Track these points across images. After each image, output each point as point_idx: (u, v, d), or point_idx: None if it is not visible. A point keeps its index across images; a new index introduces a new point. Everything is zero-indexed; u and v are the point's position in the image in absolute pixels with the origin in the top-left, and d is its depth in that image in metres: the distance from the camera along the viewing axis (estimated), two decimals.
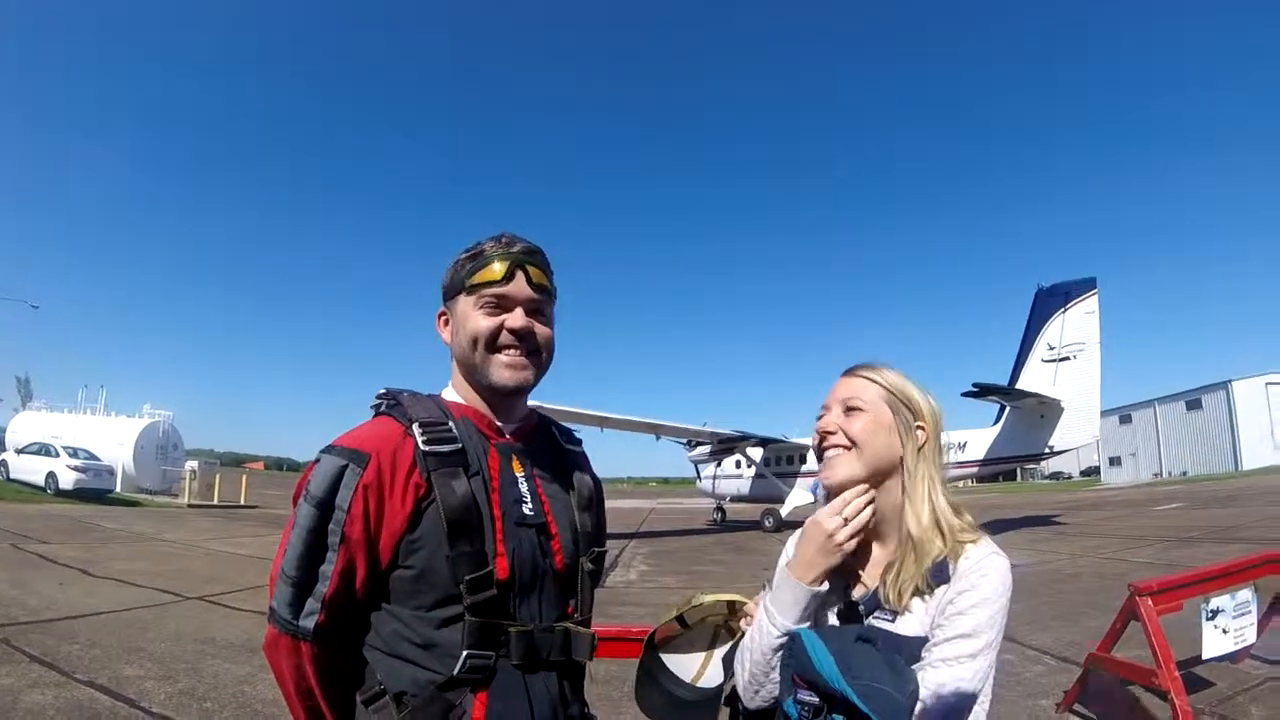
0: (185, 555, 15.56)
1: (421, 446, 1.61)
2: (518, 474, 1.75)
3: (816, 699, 1.49)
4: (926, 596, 1.68)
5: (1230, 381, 61.85)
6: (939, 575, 1.68)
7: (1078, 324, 25.87)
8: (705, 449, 32.99)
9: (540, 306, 1.77)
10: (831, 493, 1.78)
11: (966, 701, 1.59)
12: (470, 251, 1.76)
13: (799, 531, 2.03)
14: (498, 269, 1.70)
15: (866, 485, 1.76)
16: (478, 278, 1.71)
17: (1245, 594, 5.25)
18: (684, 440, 33.58)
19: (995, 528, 1.81)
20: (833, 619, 1.78)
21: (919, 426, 1.82)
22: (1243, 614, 5.19)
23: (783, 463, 30.52)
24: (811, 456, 28.11)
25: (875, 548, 1.83)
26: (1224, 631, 5.11)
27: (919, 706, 1.50)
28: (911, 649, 1.63)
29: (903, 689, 1.45)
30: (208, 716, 5.56)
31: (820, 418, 1.87)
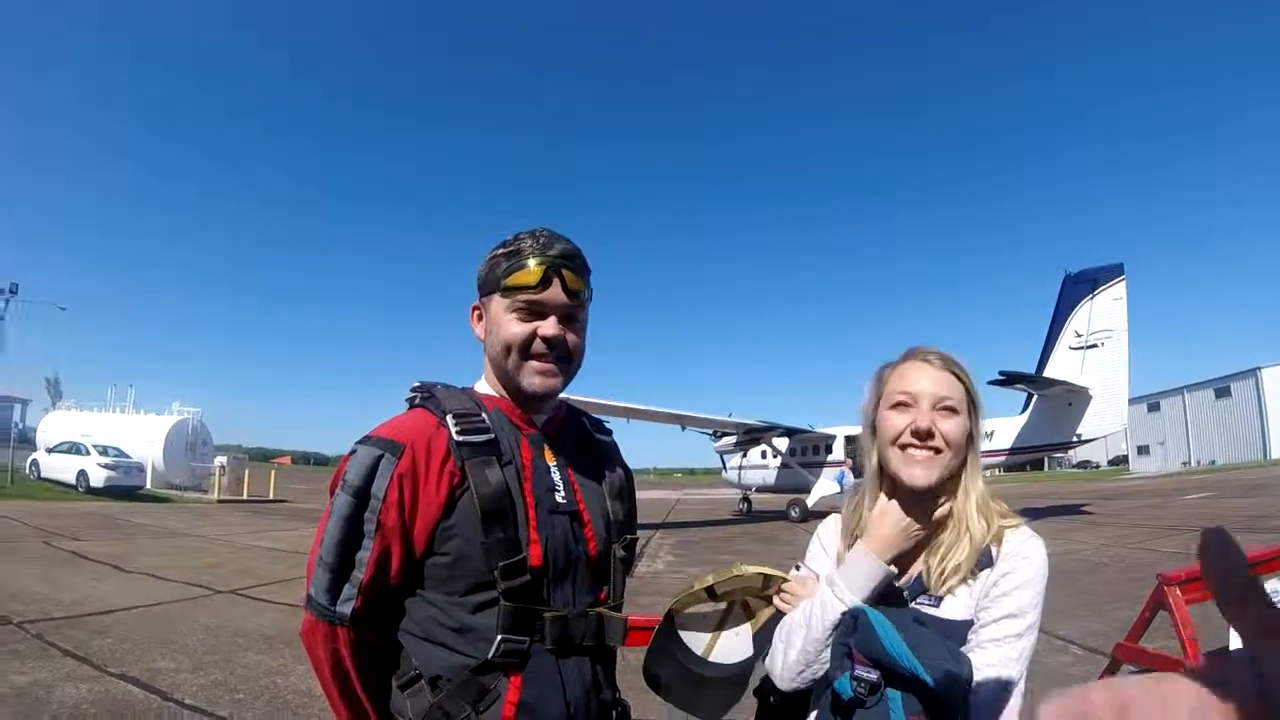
0: (215, 550, 15.74)
1: (455, 437, 1.64)
2: (550, 463, 1.77)
3: (875, 675, 1.50)
4: (970, 580, 1.70)
5: (1259, 369, 60.52)
6: (983, 560, 1.70)
7: (1105, 311, 25.63)
8: (731, 439, 32.90)
9: (573, 312, 1.77)
10: (915, 494, 1.76)
11: (1014, 680, 1.61)
12: (508, 248, 1.75)
13: (832, 518, 2.07)
14: (533, 272, 1.70)
15: None
16: (513, 279, 1.71)
17: (1275, 583, 5.13)
18: (709, 431, 33.56)
19: (1023, 517, 1.80)
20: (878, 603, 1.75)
21: (979, 425, 1.83)
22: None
23: (809, 453, 30.38)
24: (838, 446, 28.39)
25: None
26: None
27: (975, 685, 1.53)
28: (958, 633, 1.65)
29: (961, 670, 1.48)
30: (239, 708, 5.61)
31: (901, 406, 1.80)
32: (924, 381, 1.79)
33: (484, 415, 1.71)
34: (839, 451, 28.89)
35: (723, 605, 2.03)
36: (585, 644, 1.70)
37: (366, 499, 1.58)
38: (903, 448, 1.77)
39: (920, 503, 1.77)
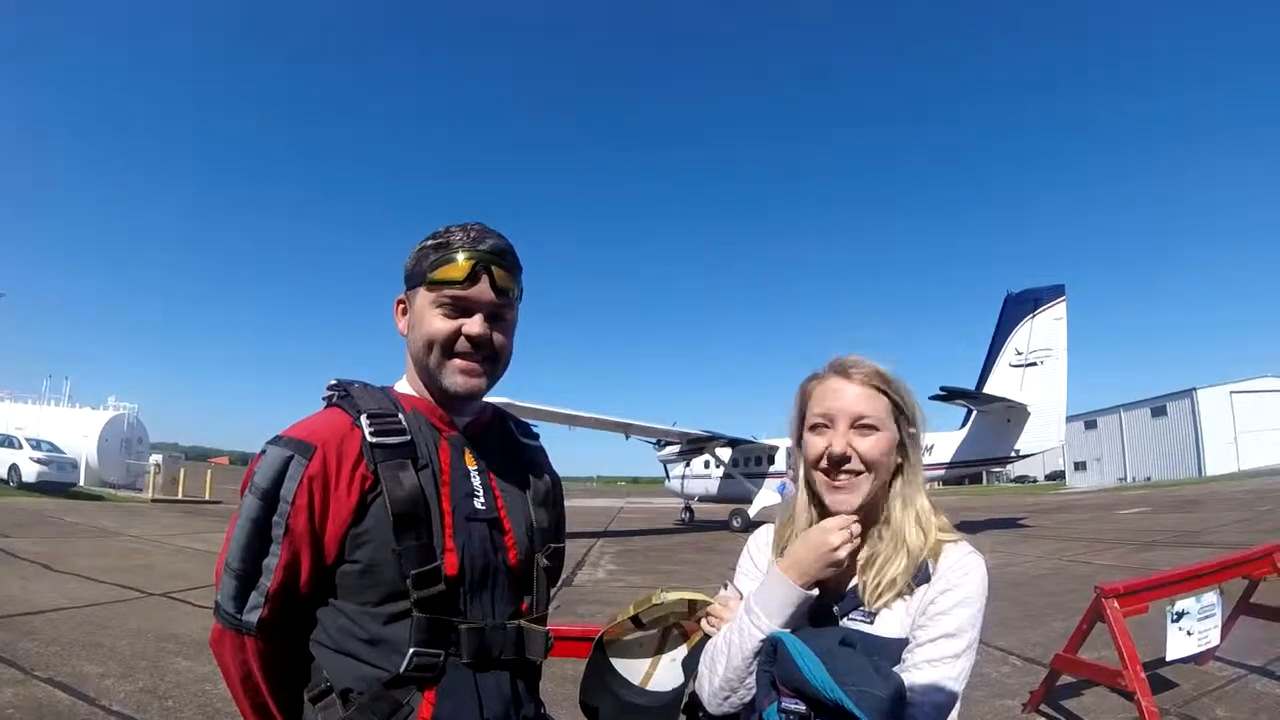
0: (148, 551, 15.33)
1: (369, 438, 1.58)
2: (470, 467, 1.72)
3: (802, 707, 1.47)
4: (906, 597, 1.66)
5: (1195, 389, 62.95)
6: (920, 575, 1.67)
7: (1046, 330, 26.26)
8: (674, 449, 33.02)
9: (501, 311, 1.72)
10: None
11: (952, 701, 1.57)
12: (437, 240, 1.69)
13: (763, 529, 2.03)
14: (461, 267, 1.64)
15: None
16: (439, 273, 1.66)
17: (1210, 597, 5.35)
18: (653, 440, 33.57)
19: (961, 530, 1.79)
20: (803, 623, 1.71)
21: (912, 431, 1.79)
22: (1207, 616, 5.32)
23: (751, 463, 30.59)
24: (780, 458, 28.60)
25: None
26: (1188, 634, 5.22)
27: (908, 710, 1.49)
28: (891, 651, 1.61)
29: (891, 693, 1.43)
30: (169, 715, 5.49)
31: (819, 429, 1.77)
32: (842, 399, 1.74)
33: (401, 416, 1.65)
34: (781, 462, 29.09)
35: (654, 632, 1.99)
36: (504, 658, 1.64)
37: (275, 502, 1.50)
38: (824, 471, 1.74)
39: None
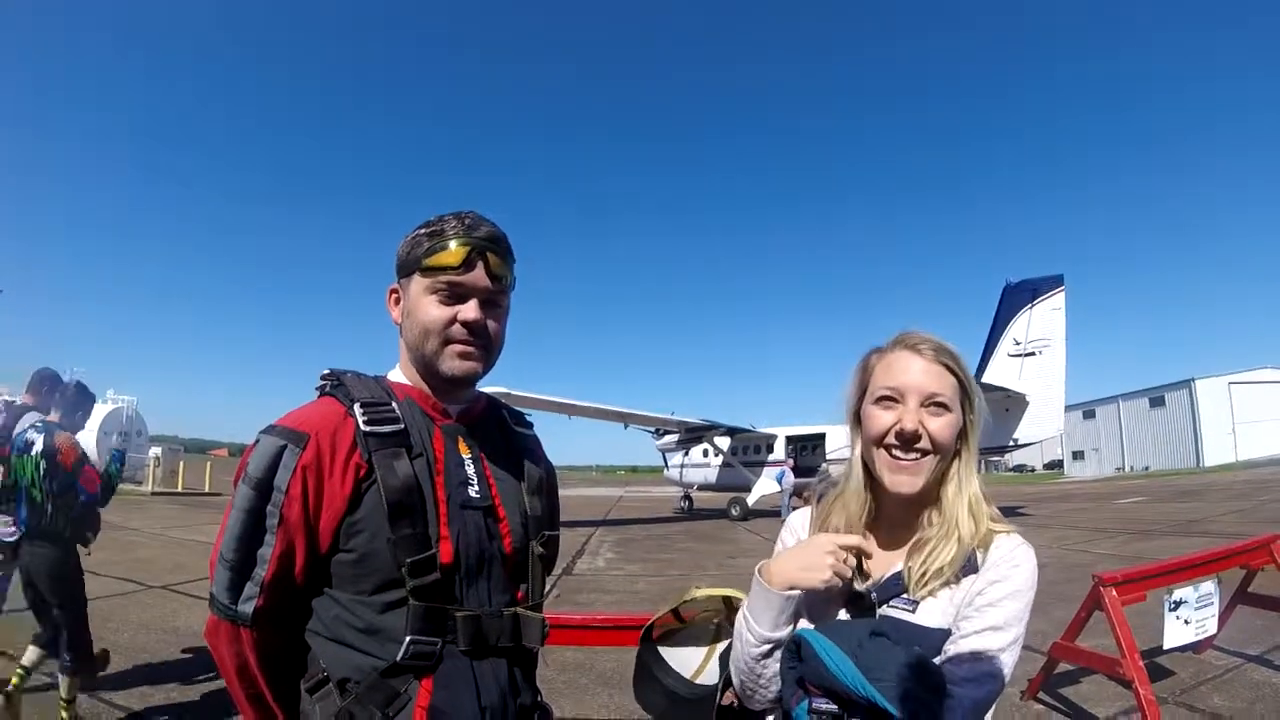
0: (149, 544, 15.38)
1: (362, 427, 1.57)
2: (464, 456, 1.71)
3: (833, 707, 1.42)
4: (953, 586, 1.58)
5: (1193, 380, 63.58)
6: (968, 565, 1.59)
7: (1044, 320, 26.23)
8: (673, 438, 33.06)
9: (495, 297, 1.72)
10: (901, 499, 1.67)
11: (993, 696, 1.50)
12: (430, 228, 1.69)
13: (801, 511, 1.94)
14: (456, 253, 1.64)
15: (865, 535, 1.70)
16: (434, 260, 1.65)
17: (1208, 586, 5.43)
18: (652, 429, 33.61)
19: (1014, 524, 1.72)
20: (841, 614, 1.66)
21: (972, 418, 1.70)
22: (1205, 605, 5.40)
23: (749, 452, 30.68)
24: (779, 446, 28.61)
25: (892, 533, 1.73)
26: (1186, 622, 5.31)
27: (947, 702, 1.42)
28: (933, 641, 1.53)
29: (929, 686, 1.39)
30: (172, 708, 5.52)
31: (886, 402, 1.67)
32: (913, 374, 1.65)
33: (394, 404, 1.64)
34: (780, 451, 29.24)
35: (711, 627, 2.01)
36: (501, 645, 1.64)
37: (269, 492, 1.51)
38: (888, 449, 1.65)
39: (900, 506, 1.69)
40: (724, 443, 31.02)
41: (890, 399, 1.66)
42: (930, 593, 1.58)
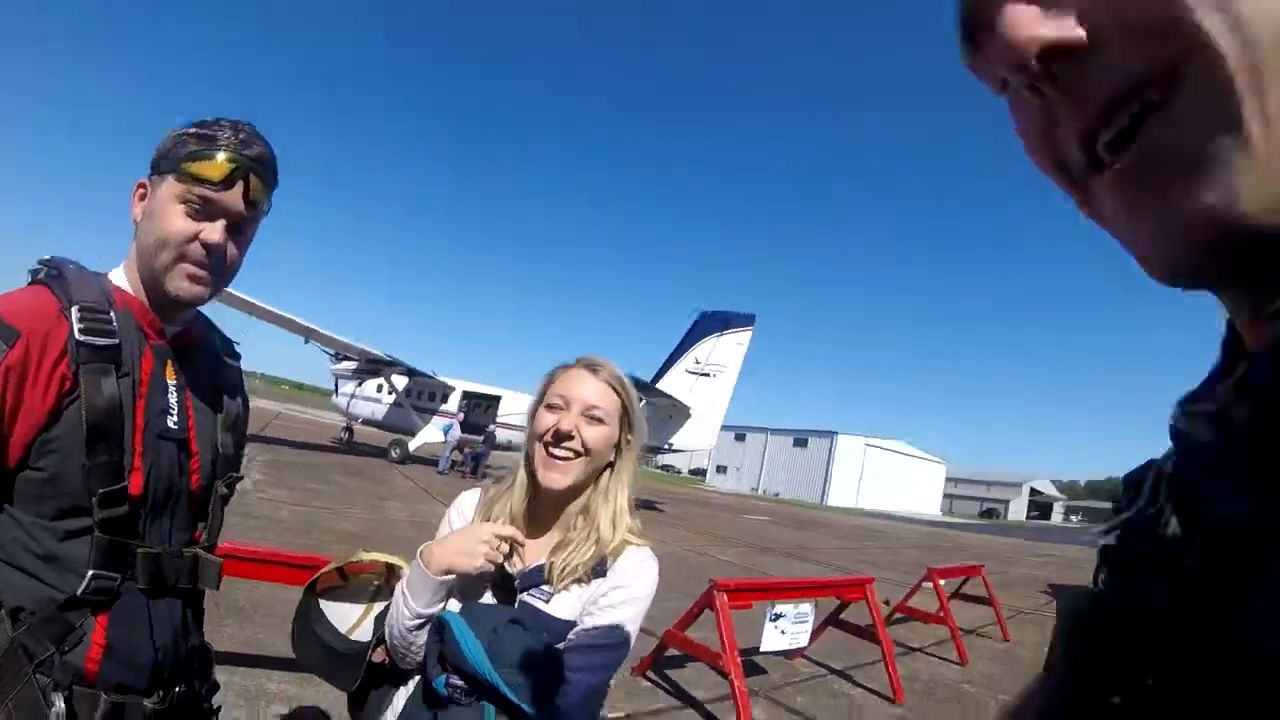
0: None
1: (77, 335, 1.42)
2: (170, 381, 1.60)
3: (465, 687, 1.55)
4: (584, 584, 1.74)
5: (836, 433, 75.14)
6: (599, 568, 1.75)
7: (727, 349, 29.22)
8: (351, 365, 31.47)
9: (244, 224, 1.61)
10: (553, 496, 1.81)
11: (601, 685, 1.72)
12: (201, 130, 1.54)
13: (469, 493, 2.07)
14: (220, 166, 1.52)
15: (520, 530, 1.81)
16: (195, 168, 1.51)
17: (806, 607, 6.55)
18: (332, 351, 32.04)
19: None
20: (487, 595, 1.78)
21: (630, 438, 1.90)
22: (801, 622, 6.44)
23: (424, 398, 30.12)
24: (454, 399, 28.65)
25: (545, 528, 1.87)
26: (783, 632, 6.30)
27: (564, 687, 1.59)
28: (559, 630, 1.67)
29: (550, 675, 1.55)
30: None
31: (553, 407, 1.82)
32: (583, 388, 1.82)
33: (112, 315, 1.49)
34: (454, 404, 29.27)
35: (371, 587, 2.05)
36: (180, 586, 1.58)
37: None
38: (546, 446, 1.80)
39: (553, 503, 1.84)
40: (401, 382, 29.93)
41: (558, 405, 1.82)
42: (565, 587, 1.73)
